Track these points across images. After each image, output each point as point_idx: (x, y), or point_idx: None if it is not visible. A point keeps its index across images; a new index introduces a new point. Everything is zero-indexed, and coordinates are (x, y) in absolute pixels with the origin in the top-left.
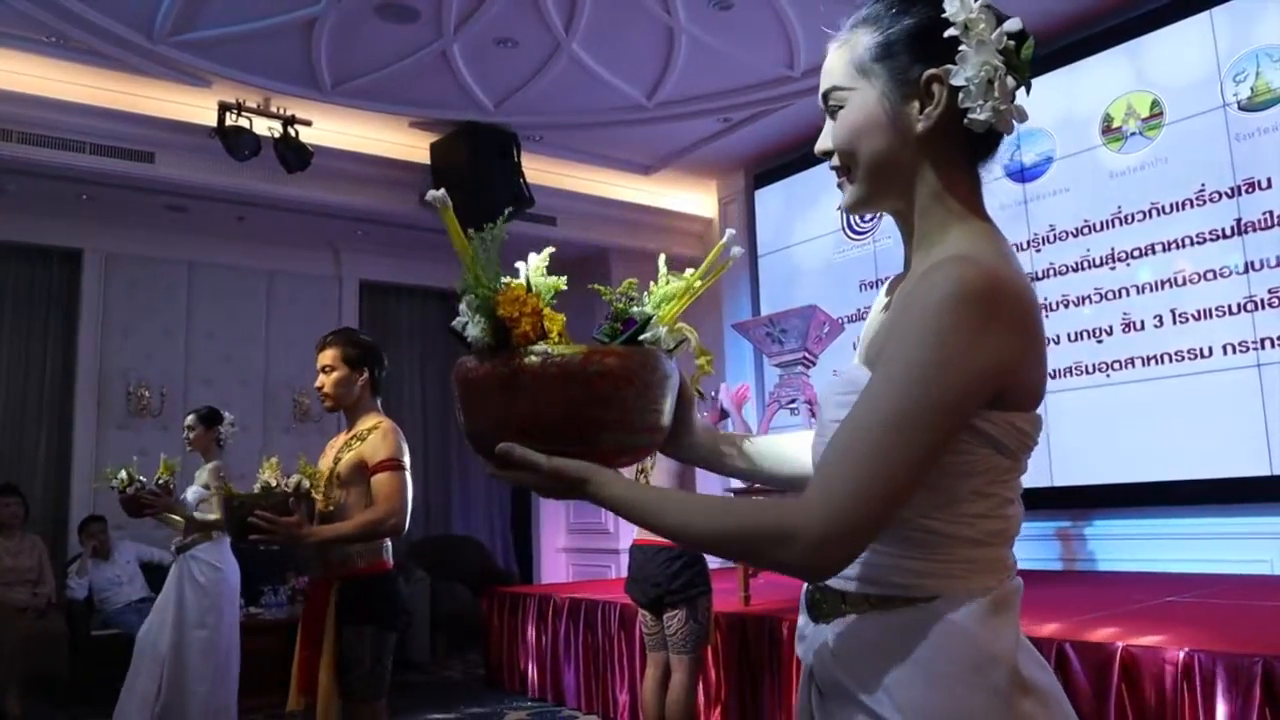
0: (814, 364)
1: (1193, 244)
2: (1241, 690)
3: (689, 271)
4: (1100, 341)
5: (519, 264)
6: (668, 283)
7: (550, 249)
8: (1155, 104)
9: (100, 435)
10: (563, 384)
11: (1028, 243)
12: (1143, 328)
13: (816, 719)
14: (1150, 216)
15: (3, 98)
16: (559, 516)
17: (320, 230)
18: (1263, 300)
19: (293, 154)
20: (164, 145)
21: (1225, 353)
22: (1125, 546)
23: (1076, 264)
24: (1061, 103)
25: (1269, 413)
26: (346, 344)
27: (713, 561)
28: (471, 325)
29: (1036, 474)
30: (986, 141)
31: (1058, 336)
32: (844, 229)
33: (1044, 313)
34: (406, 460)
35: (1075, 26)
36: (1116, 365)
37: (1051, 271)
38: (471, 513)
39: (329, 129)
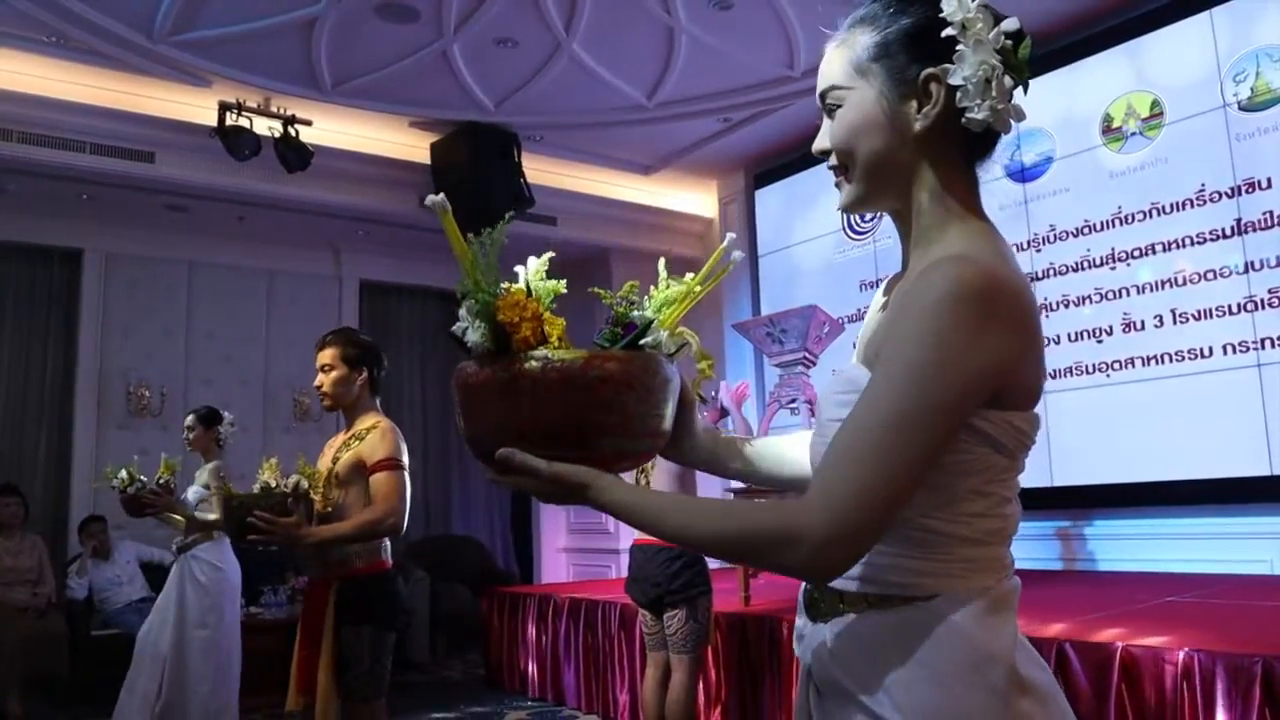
0: (814, 364)
1: (1193, 244)
2: (1241, 690)
3: (689, 275)
4: (1100, 341)
5: (518, 268)
6: (668, 287)
7: (550, 253)
8: (1155, 104)
9: (100, 435)
10: (563, 389)
11: (1028, 243)
12: (1143, 328)
13: (815, 718)
14: (1150, 216)
15: (3, 98)
16: (559, 516)
17: (320, 230)
18: (1263, 300)
19: (293, 154)
20: (164, 145)
21: (1225, 353)
22: (1125, 546)
23: (1077, 264)
24: (1062, 103)
25: (1269, 413)
26: (346, 343)
27: (713, 562)
28: (472, 330)
29: (1036, 474)
30: (984, 141)
31: (1058, 336)
32: (844, 229)
33: (1044, 313)
34: (405, 460)
35: (1075, 26)
36: (1116, 365)
37: (1051, 271)
38: (471, 513)
39: (329, 129)
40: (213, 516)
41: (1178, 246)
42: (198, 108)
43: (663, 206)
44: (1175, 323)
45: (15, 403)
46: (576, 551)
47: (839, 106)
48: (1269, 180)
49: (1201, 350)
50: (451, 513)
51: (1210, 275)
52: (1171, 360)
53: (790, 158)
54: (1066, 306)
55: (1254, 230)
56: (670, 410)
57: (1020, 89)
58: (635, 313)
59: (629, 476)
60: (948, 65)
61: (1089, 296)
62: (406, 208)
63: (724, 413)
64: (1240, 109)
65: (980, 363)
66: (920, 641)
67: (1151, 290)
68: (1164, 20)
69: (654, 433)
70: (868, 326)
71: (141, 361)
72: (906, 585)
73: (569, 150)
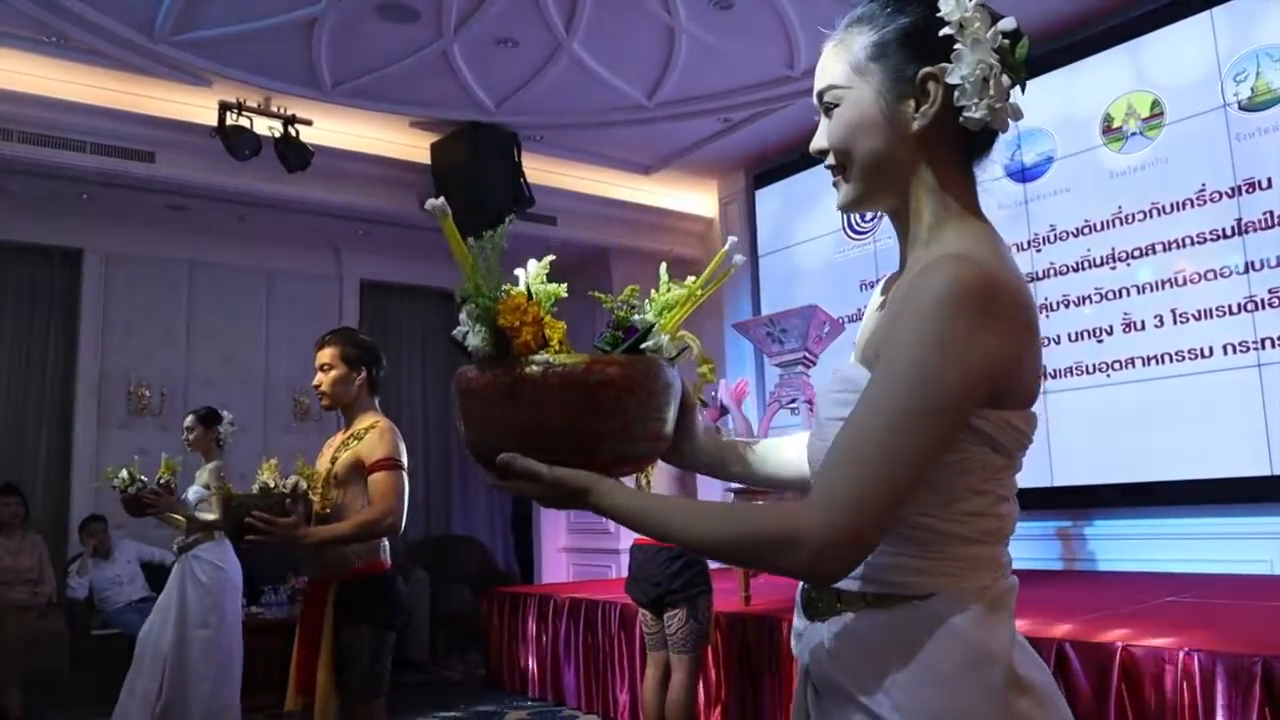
0: (814, 364)
1: (1193, 244)
2: (1241, 690)
3: (690, 278)
4: (1100, 341)
5: (518, 271)
6: (669, 290)
7: (551, 256)
8: (1156, 104)
9: (101, 435)
10: (564, 394)
11: (1028, 243)
12: (1143, 328)
13: (813, 717)
14: (1150, 216)
15: (3, 98)
16: (559, 516)
17: (321, 230)
18: (1263, 300)
19: (293, 153)
20: (165, 145)
21: (1225, 353)
22: (1125, 546)
23: (1077, 264)
24: (1062, 103)
25: (1269, 413)
26: (345, 343)
27: (713, 562)
28: (472, 335)
29: (1036, 474)
30: (982, 140)
31: (1058, 336)
32: (844, 229)
33: (1044, 313)
34: (404, 459)
35: (1075, 26)
36: (1117, 365)
37: (1052, 271)
38: (472, 513)
39: (329, 129)
40: (212, 517)
41: (1178, 246)
42: (198, 107)
43: (663, 206)
44: (1175, 323)
45: (15, 402)
46: (577, 551)
47: (836, 106)
48: (1269, 180)
49: (1201, 350)
50: (451, 513)
51: (1210, 275)
52: (1171, 360)
53: (790, 158)
54: (1066, 306)
55: (1254, 230)
56: (672, 414)
57: (1018, 88)
58: (636, 317)
59: (629, 480)
60: (945, 64)
61: (1089, 296)
62: (407, 208)
63: (724, 411)
64: (1240, 109)
65: (980, 362)
66: (918, 641)
67: (1151, 290)
68: (1164, 20)
69: (655, 437)
70: (865, 326)
71: (141, 361)
72: (904, 584)
73: (569, 150)
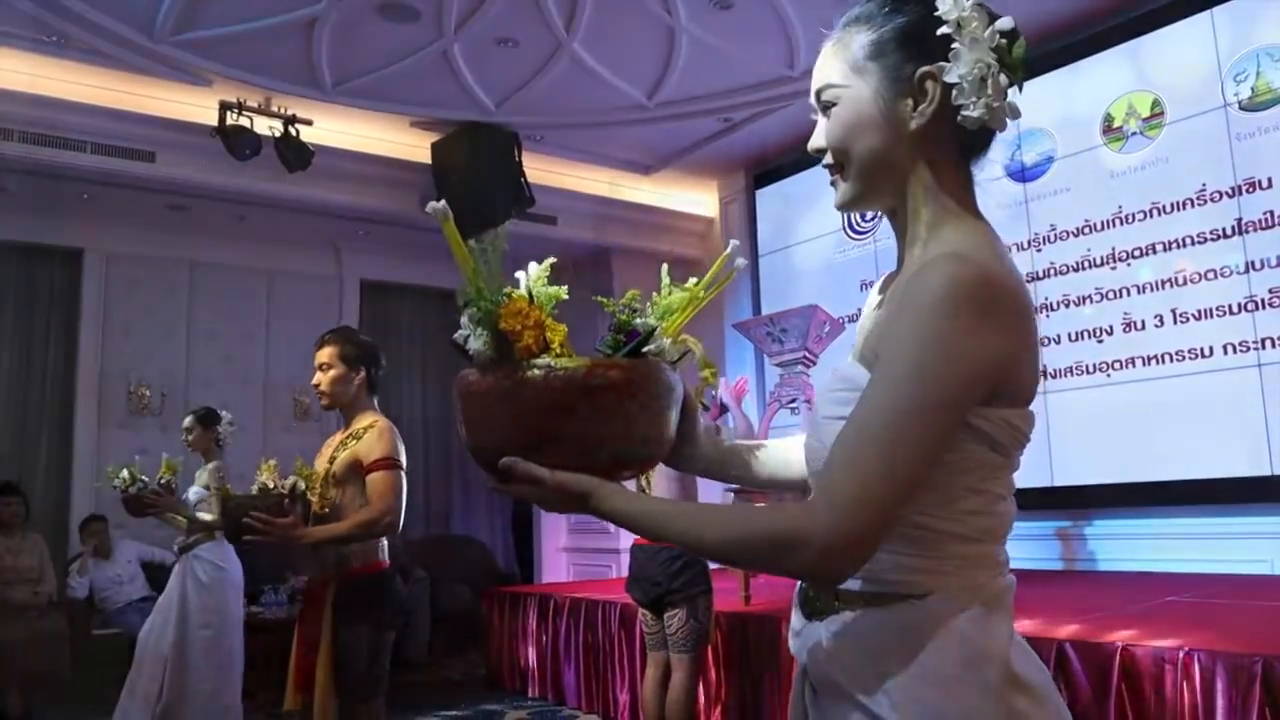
0: (814, 363)
1: (1193, 244)
2: (1241, 690)
3: (691, 280)
4: (1100, 341)
5: (519, 273)
6: (670, 293)
7: (551, 259)
8: (1156, 104)
9: (101, 435)
10: (565, 397)
11: (1028, 242)
12: (1143, 328)
13: (811, 716)
14: (1151, 216)
15: (3, 97)
16: (560, 516)
17: (321, 230)
18: (1263, 300)
19: (294, 153)
20: (165, 144)
21: (1225, 353)
22: (1125, 546)
23: (1077, 264)
24: (1062, 102)
25: (1269, 413)
26: (344, 343)
27: (713, 562)
28: (473, 338)
29: (1036, 474)
30: (979, 139)
31: (1058, 336)
32: (844, 229)
33: (1044, 313)
34: (402, 459)
35: (1076, 26)
36: (1117, 365)
37: (1052, 271)
38: (472, 513)
39: (330, 128)
40: (212, 517)
41: (1178, 246)
42: (198, 107)
43: (663, 206)
44: (1175, 323)
45: (16, 402)
46: (577, 551)
47: (834, 105)
48: (1269, 180)
49: (1201, 350)
50: (452, 513)
51: (1210, 275)
52: (1171, 360)
53: (790, 158)
54: (1066, 306)
55: (1254, 230)
56: (673, 418)
57: (1015, 87)
58: (638, 320)
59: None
60: (943, 63)
61: (1089, 296)
62: (407, 207)
63: (724, 409)
64: (1241, 109)
65: (979, 361)
66: (916, 640)
67: (1152, 290)
68: (1164, 20)
69: (657, 440)
70: (864, 325)
71: (141, 361)
72: (901, 583)
73: (569, 150)
